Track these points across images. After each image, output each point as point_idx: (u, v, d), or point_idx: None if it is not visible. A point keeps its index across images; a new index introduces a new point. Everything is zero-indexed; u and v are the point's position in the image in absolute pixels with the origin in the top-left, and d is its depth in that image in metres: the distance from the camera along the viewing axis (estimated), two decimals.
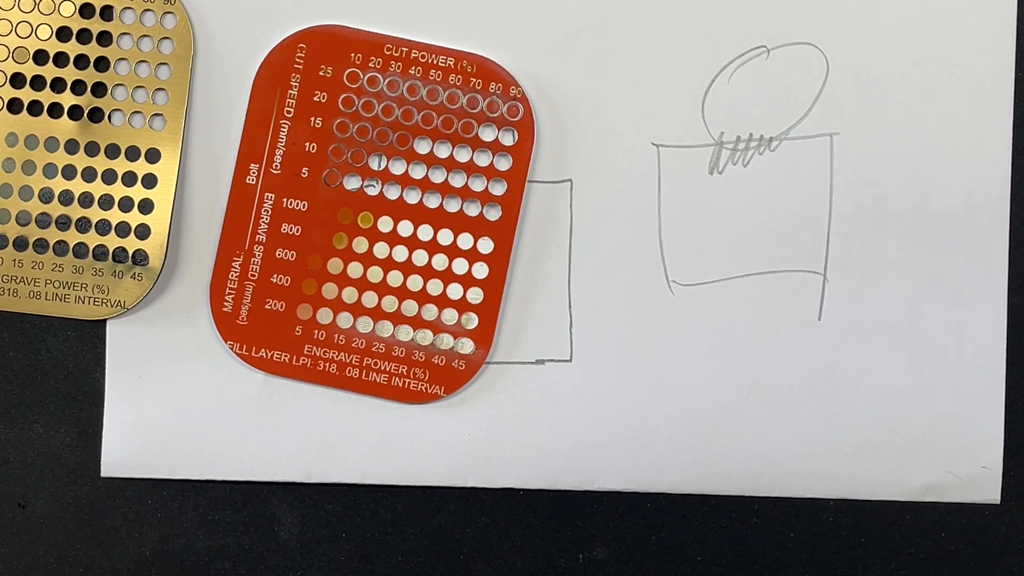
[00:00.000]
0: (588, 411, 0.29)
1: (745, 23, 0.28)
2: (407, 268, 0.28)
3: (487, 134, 0.28)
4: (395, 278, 0.28)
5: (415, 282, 0.28)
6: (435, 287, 0.28)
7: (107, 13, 0.28)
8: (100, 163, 0.28)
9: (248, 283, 0.28)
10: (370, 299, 0.28)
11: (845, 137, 0.29)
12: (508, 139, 0.28)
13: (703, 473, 0.29)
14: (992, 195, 0.29)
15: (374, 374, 0.28)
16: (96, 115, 0.28)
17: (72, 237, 0.28)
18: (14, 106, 0.28)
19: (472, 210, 0.28)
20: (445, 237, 0.28)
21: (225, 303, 0.28)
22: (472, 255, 0.28)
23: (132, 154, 0.28)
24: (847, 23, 0.28)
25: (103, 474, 0.29)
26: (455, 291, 0.28)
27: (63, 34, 0.28)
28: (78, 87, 0.28)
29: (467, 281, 0.28)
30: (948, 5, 0.28)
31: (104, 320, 0.28)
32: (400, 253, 0.28)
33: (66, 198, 0.28)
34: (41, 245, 0.28)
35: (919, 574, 0.29)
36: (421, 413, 0.29)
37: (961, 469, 0.29)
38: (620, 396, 0.29)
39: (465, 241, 0.28)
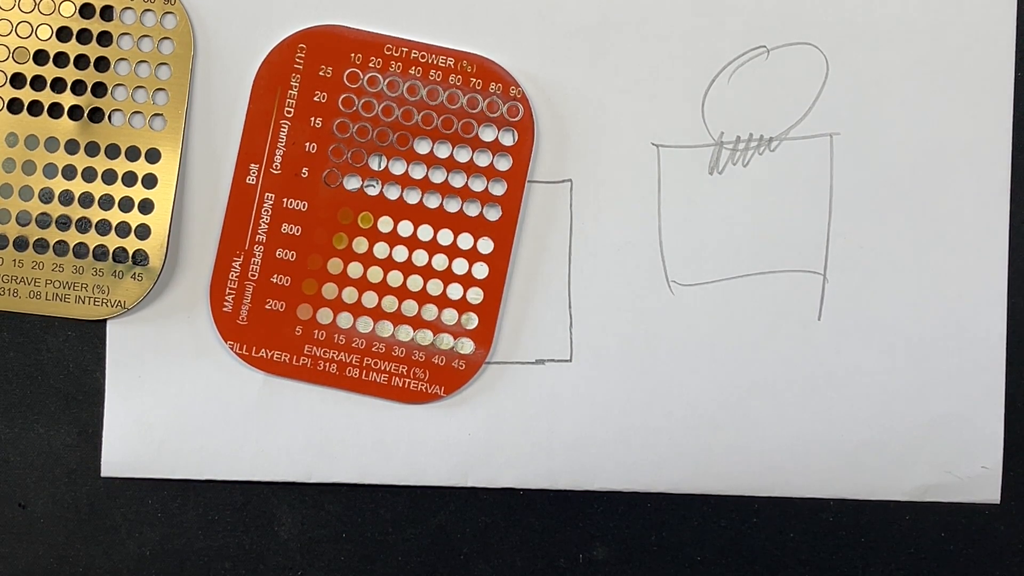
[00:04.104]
0: (588, 411, 0.29)
1: (745, 23, 0.28)
2: (407, 268, 0.28)
3: (487, 134, 0.28)
4: (395, 278, 0.28)
5: (415, 282, 0.28)
6: (435, 287, 0.28)
7: (107, 13, 0.28)
8: (100, 163, 0.28)
9: (248, 283, 0.28)
10: (370, 299, 0.28)
11: (845, 137, 0.29)
12: (508, 139, 0.28)
13: (703, 473, 0.29)
14: (992, 195, 0.29)
15: (374, 374, 0.28)
16: (96, 115, 0.28)
17: (72, 237, 0.28)
18: (14, 106, 0.28)
19: (472, 210, 0.28)
20: (445, 237, 0.28)
21: (225, 303, 0.28)
22: (472, 255, 0.28)
23: (132, 154, 0.28)
24: (847, 23, 0.28)
25: (103, 474, 0.29)
26: (455, 291, 0.28)
27: (63, 34, 0.28)
28: (78, 87, 0.28)
29: (467, 281, 0.28)
30: (948, 5, 0.28)
31: (104, 320, 0.28)
32: (400, 253, 0.28)
33: (66, 198, 0.28)
34: (41, 245, 0.28)
35: (919, 574, 0.29)
36: (421, 413, 0.29)
37: (961, 469, 0.29)
38: (620, 396, 0.29)
39: (465, 241, 0.28)
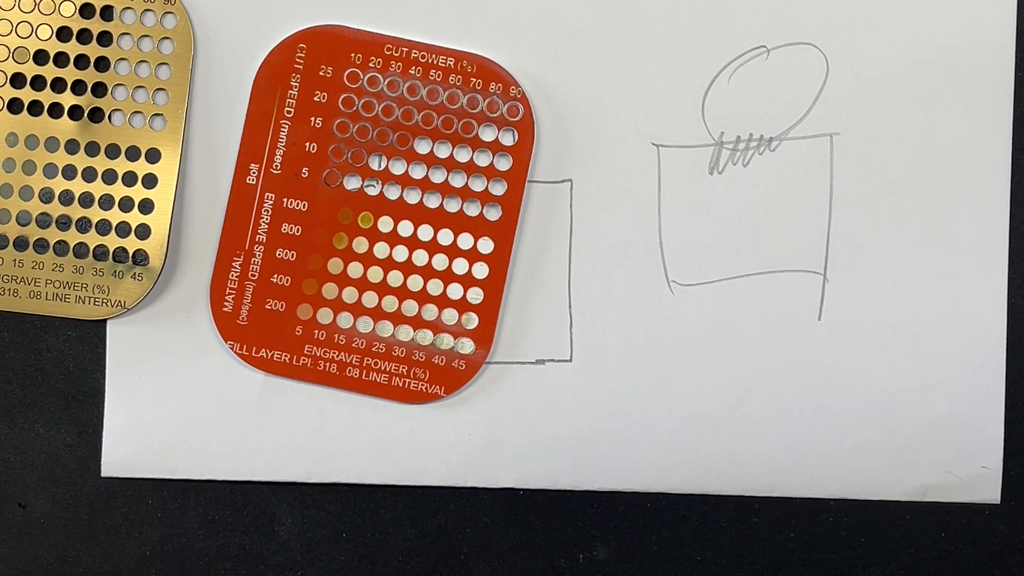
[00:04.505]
0: (588, 411, 0.29)
1: (745, 23, 0.28)
2: (407, 268, 0.28)
3: (487, 134, 0.28)
4: (395, 278, 0.28)
5: (415, 282, 0.28)
6: (435, 287, 0.28)
7: (107, 13, 0.28)
8: (100, 163, 0.28)
9: (248, 283, 0.28)
10: (370, 299, 0.28)
11: (845, 137, 0.29)
12: (508, 139, 0.28)
13: (703, 473, 0.29)
14: (992, 195, 0.29)
15: (374, 374, 0.28)
16: (96, 115, 0.28)
17: (72, 237, 0.28)
18: (14, 106, 0.28)
19: (472, 210, 0.28)
20: (445, 237, 0.28)
21: (225, 303, 0.28)
22: (472, 255, 0.28)
23: (132, 154, 0.28)
24: (847, 23, 0.28)
25: (103, 474, 0.29)
26: (455, 291, 0.28)
27: (63, 34, 0.28)
28: (78, 87, 0.28)
29: (467, 281, 0.28)
30: (948, 5, 0.28)
31: (104, 320, 0.28)
32: (400, 253, 0.28)
33: (66, 198, 0.28)
34: (41, 245, 0.28)
35: (919, 574, 0.29)
36: (421, 413, 0.29)
37: (961, 469, 0.29)
38: (620, 396, 0.29)
39: (465, 241, 0.28)
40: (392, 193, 0.28)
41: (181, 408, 0.28)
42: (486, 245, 0.28)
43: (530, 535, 0.29)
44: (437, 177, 0.28)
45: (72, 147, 0.28)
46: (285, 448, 0.28)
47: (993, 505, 0.29)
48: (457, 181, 0.28)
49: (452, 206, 0.28)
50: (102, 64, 0.28)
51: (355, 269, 0.28)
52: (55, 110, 0.28)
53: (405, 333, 0.28)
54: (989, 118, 0.29)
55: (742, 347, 0.29)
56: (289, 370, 0.28)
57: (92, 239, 0.28)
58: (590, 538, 0.29)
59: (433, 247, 0.28)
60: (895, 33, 0.28)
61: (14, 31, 0.28)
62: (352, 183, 0.28)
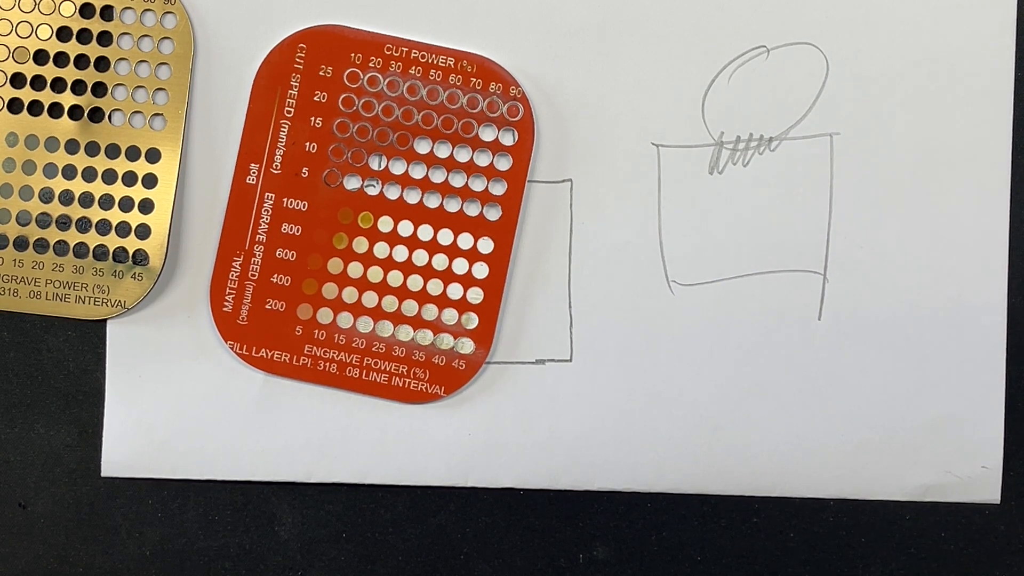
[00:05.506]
0: (588, 411, 0.29)
1: (745, 23, 0.28)
2: (407, 268, 0.28)
3: (487, 134, 0.28)
4: (395, 278, 0.28)
5: (415, 282, 0.28)
6: (435, 287, 0.28)
7: (107, 13, 0.28)
8: (100, 163, 0.28)
9: (248, 283, 0.28)
10: (370, 299, 0.28)
11: (845, 137, 0.29)
12: (508, 139, 0.28)
13: (703, 473, 0.29)
14: (992, 195, 0.29)
15: (374, 374, 0.28)
16: (96, 115, 0.28)
17: (72, 237, 0.28)
18: (14, 106, 0.28)
19: (472, 210, 0.28)
20: (445, 237, 0.28)
21: (225, 303, 0.28)
22: (472, 255, 0.28)
23: (132, 154, 0.28)
24: (847, 23, 0.28)
25: (103, 474, 0.29)
26: (455, 291, 0.28)
27: (63, 34, 0.28)
28: (78, 87, 0.28)
29: (467, 281, 0.28)
30: (948, 5, 0.28)
31: (104, 320, 0.28)
32: (400, 253, 0.28)
33: (66, 198, 0.28)
34: (41, 245, 0.28)
35: (919, 574, 0.29)
36: (421, 413, 0.29)
37: (961, 469, 0.29)
38: (620, 396, 0.29)
39: (465, 241, 0.28)
40: (392, 193, 0.28)
41: (181, 408, 0.28)
42: (486, 245, 0.28)
43: (530, 535, 0.29)
44: (437, 177, 0.28)
45: (72, 147, 0.28)
46: (285, 448, 0.28)
47: (993, 505, 0.29)
48: (457, 181, 0.28)
49: (452, 206, 0.28)
50: (102, 64, 0.28)
51: (355, 269, 0.28)
52: (55, 110, 0.28)
53: (405, 333, 0.28)
54: (989, 118, 0.29)
55: (742, 347, 0.29)
56: (289, 370, 0.28)
57: (92, 239, 0.28)
58: (590, 538, 0.29)
59: (433, 247, 0.28)
60: (895, 33, 0.28)
61: (14, 31, 0.28)
62: (352, 183, 0.28)
